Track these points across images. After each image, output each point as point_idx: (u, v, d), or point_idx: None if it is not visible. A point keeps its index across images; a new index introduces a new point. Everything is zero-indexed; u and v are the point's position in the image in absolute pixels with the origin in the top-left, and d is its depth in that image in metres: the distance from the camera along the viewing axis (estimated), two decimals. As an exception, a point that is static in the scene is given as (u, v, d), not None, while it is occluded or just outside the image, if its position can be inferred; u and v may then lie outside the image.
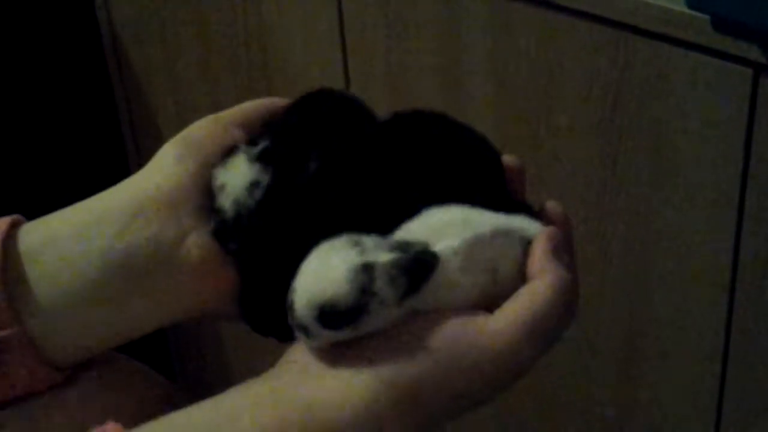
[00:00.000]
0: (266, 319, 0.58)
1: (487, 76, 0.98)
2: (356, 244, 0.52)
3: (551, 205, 0.58)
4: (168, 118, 1.43)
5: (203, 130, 0.61)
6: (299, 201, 0.57)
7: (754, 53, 0.79)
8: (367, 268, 0.51)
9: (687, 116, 0.86)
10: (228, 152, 0.60)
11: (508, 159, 0.60)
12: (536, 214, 0.59)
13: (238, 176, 0.58)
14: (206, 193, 0.60)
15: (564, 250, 0.55)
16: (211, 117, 0.63)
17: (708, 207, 0.88)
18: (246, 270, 0.59)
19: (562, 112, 0.94)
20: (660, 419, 1.02)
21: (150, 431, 0.51)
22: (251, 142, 0.60)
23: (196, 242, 0.59)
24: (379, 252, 0.51)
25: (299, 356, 0.54)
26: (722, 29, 0.80)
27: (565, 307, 0.52)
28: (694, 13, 0.81)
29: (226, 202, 0.58)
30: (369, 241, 0.52)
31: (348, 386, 0.51)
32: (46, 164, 1.48)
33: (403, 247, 0.52)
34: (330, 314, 0.51)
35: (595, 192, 0.95)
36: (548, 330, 0.51)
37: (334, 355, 0.53)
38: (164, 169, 0.60)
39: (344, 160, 0.58)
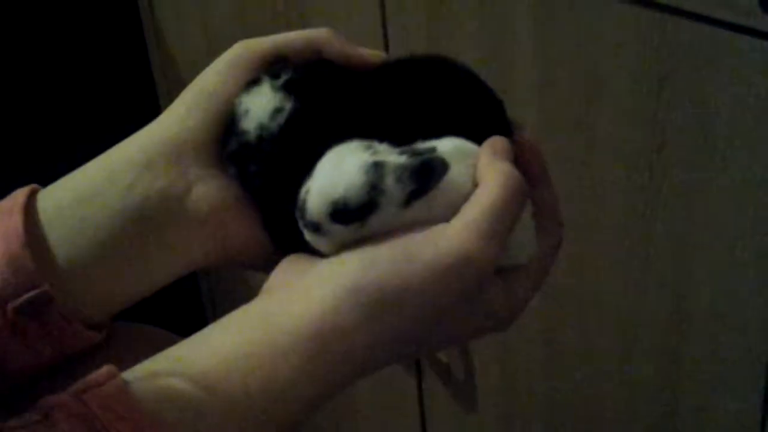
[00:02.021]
0: (291, 237, 0.60)
1: (531, 61, 0.98)
2: (368, 147, 0.55)
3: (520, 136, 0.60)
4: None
5: (216, 79, 0.62)
6: (317, 128, 0.59)
7: (803, 35, 0.78)
8: (378, 166, 0.54)
9: (735, 100, 0.85)
10: (251, 82, 0.62)
11: (524, 136, 0.61)
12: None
13: (262, 102, 0.60)
14: (215, 143, 0.62)
15: (506, 157, 0.56)
16: (228, 58, 0.63)
17: (756, 192, 0.87)
18: (266, 193, 0.61)
19: (608, 98, 0.94)
20: (704, 417, 1.01)
21: (145, 368, 0.53)
22: (273, 74, 0.62)
23: (204, 193, 0.61)
24: (389, 154, 0.55)
25: (271, 283, 0.57)
26: (771, 11, 0.79)
27: (511, 198, 0.54)
28: (742, -5, 0.80)
29: (250, 125, 0.60)
30: (379, 145, 0.56)
31: (310, 297, 0.53)
32: (82, 133, 1.49)
33: (413, 151, 0.55)
34: (342, 210, 0.54)
35: (641, 177, 0.94)
36: (497, 221, 0.53)
37: (303, 271, 0.55)
38: (173, 120, 0.62)
39: (356, 92, 0.61)
